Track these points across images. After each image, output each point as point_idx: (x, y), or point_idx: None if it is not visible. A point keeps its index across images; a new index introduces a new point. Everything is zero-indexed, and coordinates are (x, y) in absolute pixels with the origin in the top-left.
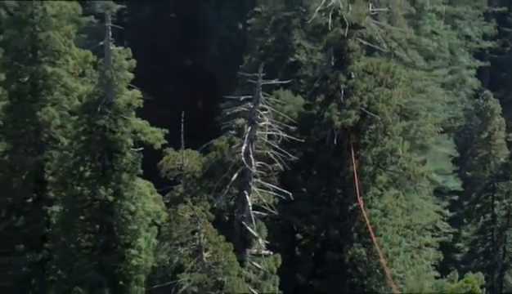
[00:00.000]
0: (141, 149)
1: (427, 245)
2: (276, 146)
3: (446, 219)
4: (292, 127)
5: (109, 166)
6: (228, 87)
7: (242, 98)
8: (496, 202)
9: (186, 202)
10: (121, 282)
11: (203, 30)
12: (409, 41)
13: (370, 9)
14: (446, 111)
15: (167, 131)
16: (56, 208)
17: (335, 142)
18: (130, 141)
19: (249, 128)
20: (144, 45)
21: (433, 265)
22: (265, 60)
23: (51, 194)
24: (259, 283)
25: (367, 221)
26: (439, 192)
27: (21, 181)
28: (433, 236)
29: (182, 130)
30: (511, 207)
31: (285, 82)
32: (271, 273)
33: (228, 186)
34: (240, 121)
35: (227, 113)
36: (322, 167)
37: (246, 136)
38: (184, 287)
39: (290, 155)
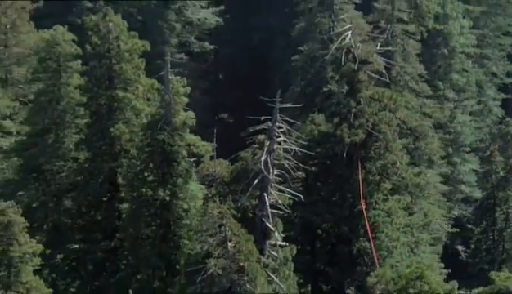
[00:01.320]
0: (194, 159)
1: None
2: (290, 157)
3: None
4: (305, 143)
5: (167, 172)
6: None
7: (263, 118)
8: (497, 208)
9: (214, 201)
10: (177, 267)
11: (273, 66)
12: (420, 75)
13: (378, 48)
14: (474, 134)
15: (215, 145)
16: (126, 205)
17: (345, 156)
18: (184, 152)
19: (268, 143)
20: (232, 77)
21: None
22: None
23: (122, 194)
24: (277, 269)
25: (366, 221)
26: (467, 200)
27: (98, 184)
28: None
29: (214, 143)
30: (508, 212)
31: (298, 105)
32: (287, 260)
33: (250, 189)
34: (261, 136)
35: (251, 130)
36: (336, 176)
37: (265, 149)
38: (211, 271)
39: (302, 165)
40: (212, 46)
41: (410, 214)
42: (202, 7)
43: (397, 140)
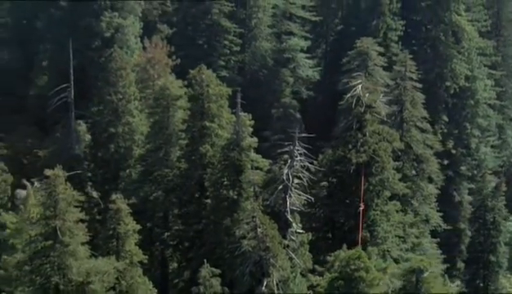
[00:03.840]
0: (257, 170)
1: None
2: (304, 172)
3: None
4: (316, 162)
5: (236, 179)
6: None
7: (286, 143)
8: (487, 213)
9: (249, 200)
10: None
11: None
12: (424, 118)
13: (381, 96)
14: (494, 161)
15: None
16: (209, 201)
17: (353, 172)
18: (249, 166)
19: (289, 160)
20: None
21: None
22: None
23: (207, 193)
24: (296, 249)
25: (361, 218)
26: None
27: (192, 185)
28: (434, 230)
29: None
30: (495, 216)
31: (311, 135)
32: (304, 243)
33: (276, 192)
34: (285, 156)
35: (278, 151)
36: (347, 186)
37: (287, 165)
38: (244, 248)
39: (312, 177)
40: (314, 94)
41: (405, 214)
42: (310, 67)
43: (391, 161)
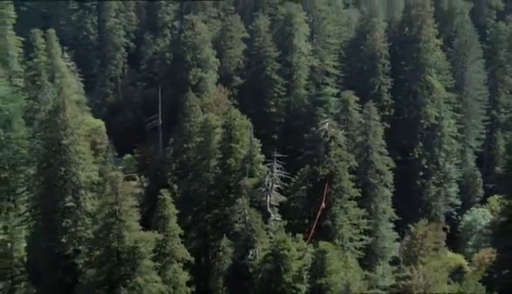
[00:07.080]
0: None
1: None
2: (278, 181)
3: None
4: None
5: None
6: None
7: (269, 160)
8: (431, 209)
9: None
10: None
11: None
12: (382, 145)
13: (342, 131)
14: (457, 174)
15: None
16: (232, 195)
17: (320, 181)
18: (258, 173)
19: (269, 172)
20: None
21: None
22: None
23: (232, 190)
24: (275, 231)
25: (319, 211)
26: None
27: (223, 185)
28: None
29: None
30: (436, 212)
31: (286, 156)
32: (280, 228)
33: (261, 193)
34: (268, 169)
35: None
36: (317, 190)
37: (268, 175)
38: (235, 229)
39: (287, 184)
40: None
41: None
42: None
43: (347, 174)
